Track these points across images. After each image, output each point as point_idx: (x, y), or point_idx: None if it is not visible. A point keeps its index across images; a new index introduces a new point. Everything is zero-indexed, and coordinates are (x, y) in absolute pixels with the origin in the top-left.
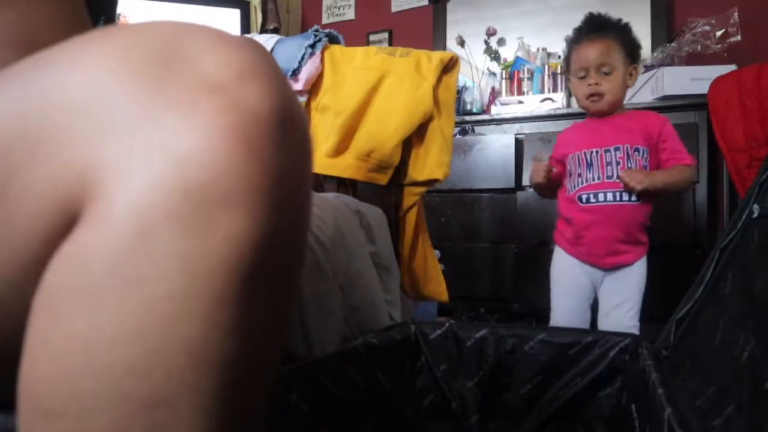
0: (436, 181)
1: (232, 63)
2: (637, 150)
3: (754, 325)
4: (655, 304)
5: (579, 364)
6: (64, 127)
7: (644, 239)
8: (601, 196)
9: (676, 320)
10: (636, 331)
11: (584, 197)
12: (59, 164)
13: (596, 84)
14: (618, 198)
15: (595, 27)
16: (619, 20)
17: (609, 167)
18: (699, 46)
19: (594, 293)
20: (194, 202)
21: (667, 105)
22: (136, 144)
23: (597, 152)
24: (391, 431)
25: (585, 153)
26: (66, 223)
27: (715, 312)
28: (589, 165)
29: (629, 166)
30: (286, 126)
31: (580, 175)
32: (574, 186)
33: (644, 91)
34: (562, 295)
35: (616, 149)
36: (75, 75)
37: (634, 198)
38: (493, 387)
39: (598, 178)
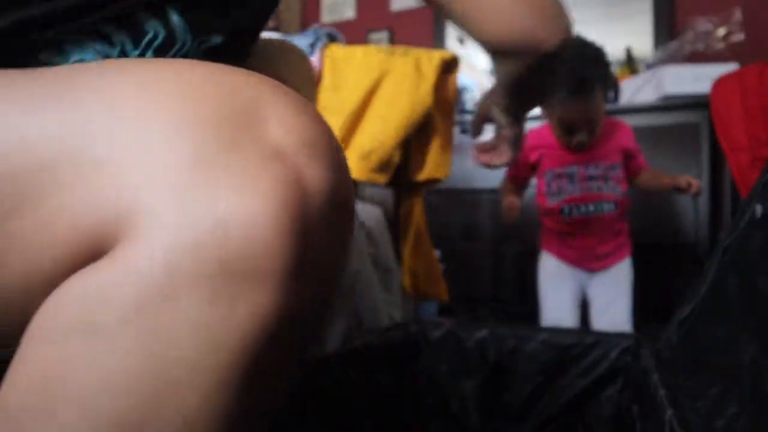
0: (436, 180)
1: (301, 136)
2: (613, 167)
3: (756, 326)
4: (656, 304)
5: (580, 364)
6: (112, 160)
7: (627, 240)
8: (583, 209)
9: (677, 321)
10: (630, 327)
11: (566, 210)
12: (102, 192)
13: (587, 135)
14: (599, 209)
15: (584, 87)
16: (603, 66)
17: (590, 181)
18: (701, 45)
19: (582, 294)
20: (228, 272)
21: (669, 104)
22: (186, 198)
23: (577, 168)
24: (391, 431)
25: (565, 169)
26: (87, 254)
27: (717, 313)
28: (570, 179)
29: (607, 181)
30: (338, 211)
31: (560, 187)
32: (554, 199)
33: (646, 90)
34: (550, 298)
35: (596, 167)
36: (136, 112)
37: (613, 207)
38: (493, 387)
39: (579, 192)
